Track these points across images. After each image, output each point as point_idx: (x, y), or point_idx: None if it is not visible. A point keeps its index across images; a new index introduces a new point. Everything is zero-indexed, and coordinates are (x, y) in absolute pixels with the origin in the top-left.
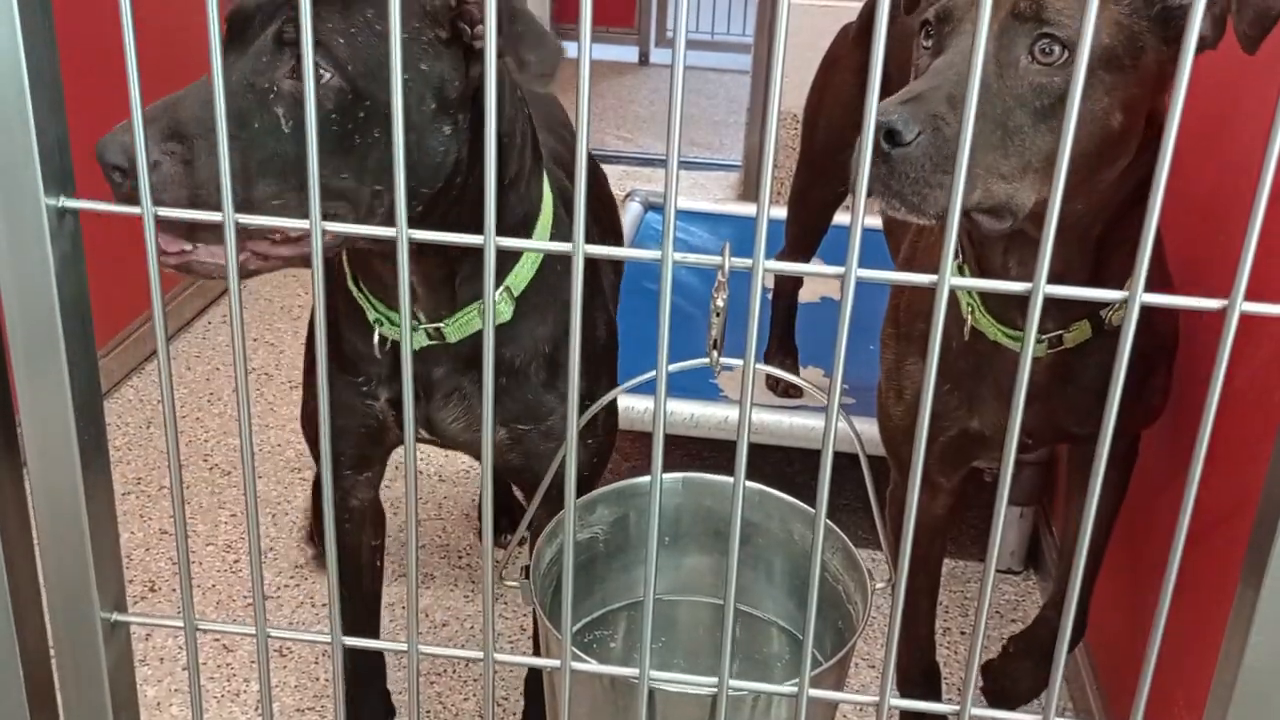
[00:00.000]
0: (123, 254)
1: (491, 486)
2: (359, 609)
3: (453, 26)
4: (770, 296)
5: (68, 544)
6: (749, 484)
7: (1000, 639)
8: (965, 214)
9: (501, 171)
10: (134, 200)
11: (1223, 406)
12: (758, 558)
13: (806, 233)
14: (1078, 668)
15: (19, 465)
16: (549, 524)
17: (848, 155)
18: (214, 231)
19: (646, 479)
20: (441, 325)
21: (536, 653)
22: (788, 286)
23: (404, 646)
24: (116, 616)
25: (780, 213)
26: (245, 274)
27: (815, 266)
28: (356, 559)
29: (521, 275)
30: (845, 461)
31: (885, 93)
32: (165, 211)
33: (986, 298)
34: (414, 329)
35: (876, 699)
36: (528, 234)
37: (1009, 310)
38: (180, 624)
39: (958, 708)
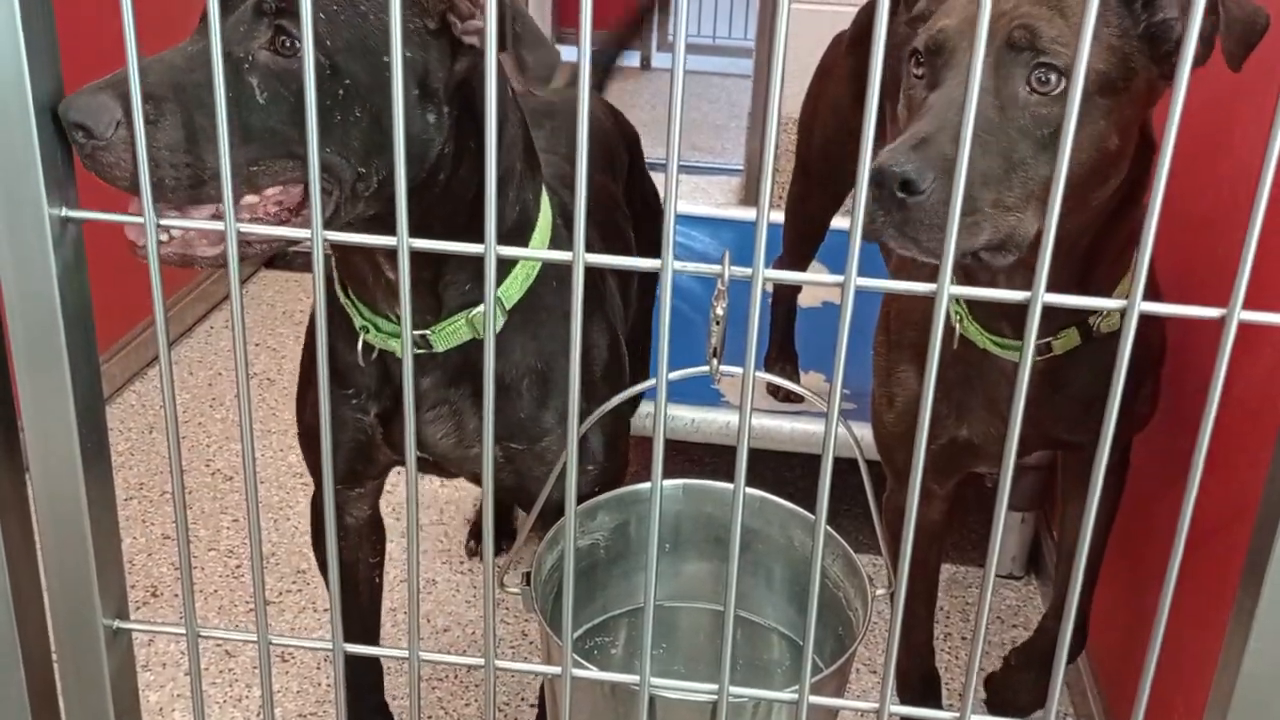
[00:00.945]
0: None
1: (493, 494)
2: (355, 624)
3: (442, 19)
4: (770, 301)
5: (70, 550)
6: (749, 491)
7: (1001, 644)
8: (973, 255)
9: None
10: (96, 162)
11: (1221, 414)
12: (758, 564)
13: (804, 239)
14: (1078, 673)
15: (21, 471)
16: (550, 531)
17: (844, 163)
18: (214, 186)
19: (647, 485)
20: (427, 333)
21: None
22: (787, 291)
23: (405, 653)
24: (119, 623)
25: (779, 218)
26: (243, 257)
27: (815, 275)
28: (353, 575)
29: (514, 287)
30: (845, 467)
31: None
32: (169, 220)
33: (974, 307)
34: (398, 335)
35: (877, 705)
36: (522, 244)
37: (996, 319)
38: (182, 630)
39: (958, 714)
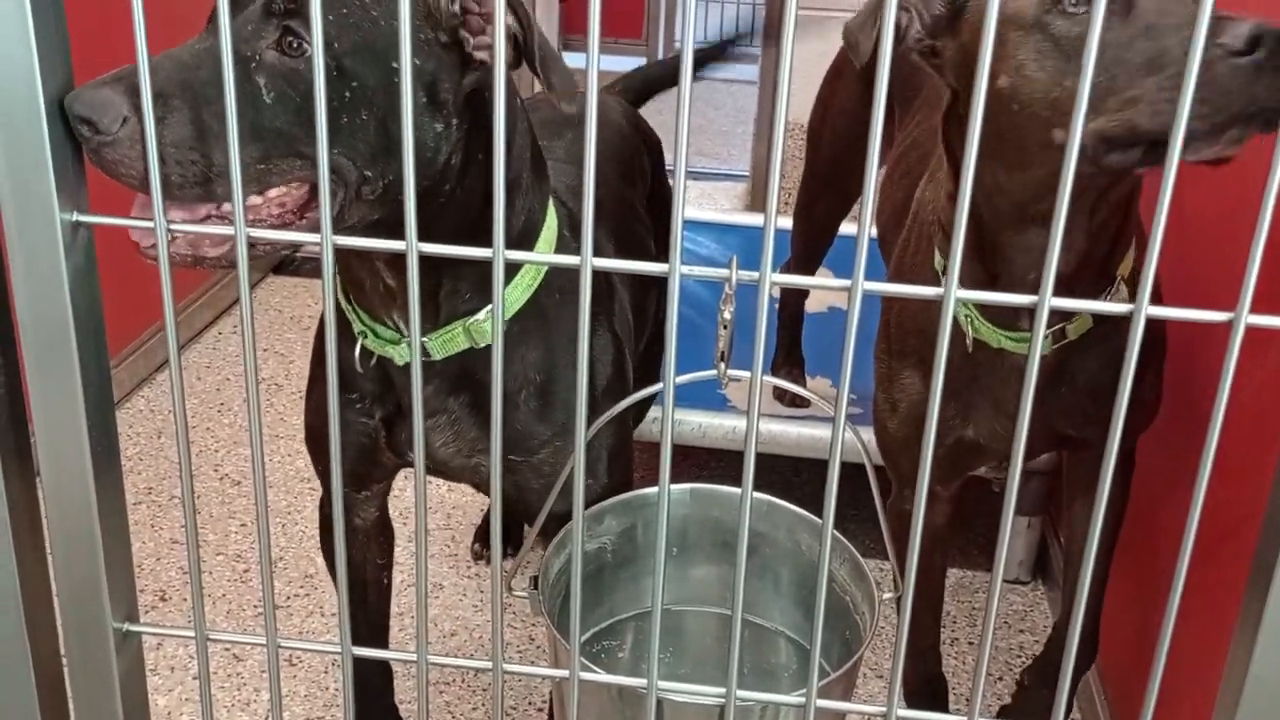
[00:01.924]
0: (130, 265)
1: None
2: (362, 625)
3: (453, 33)
4: (776, 306)
5: (80, 554)
6: (756, 495)
7: (1008, 649)
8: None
9: (491, 174)
10: (101, 158)
11: (1227, 418)
12: (765, 568)
13: (813, 244)
14: (1087, 681)
15: (32, 475)
16: (557, 535)
17: (853, 167)
18: (220, 184)
19: (654, 489)
20: (425, 341)
21: None
22: (793, 295)
23: (413, 656)
24: (129, 626)
25: (787, 223)
26: (252, 257)
27: (822, 280)
28: (361, 576)
29: (515, 295)
30: (852, 471)
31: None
32: (179, 225)
33: (984, 305)
34: (395, 342)
35: (884, 709)
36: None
37: (1011, 314)
38: (191, 634)
39: (965, 718)
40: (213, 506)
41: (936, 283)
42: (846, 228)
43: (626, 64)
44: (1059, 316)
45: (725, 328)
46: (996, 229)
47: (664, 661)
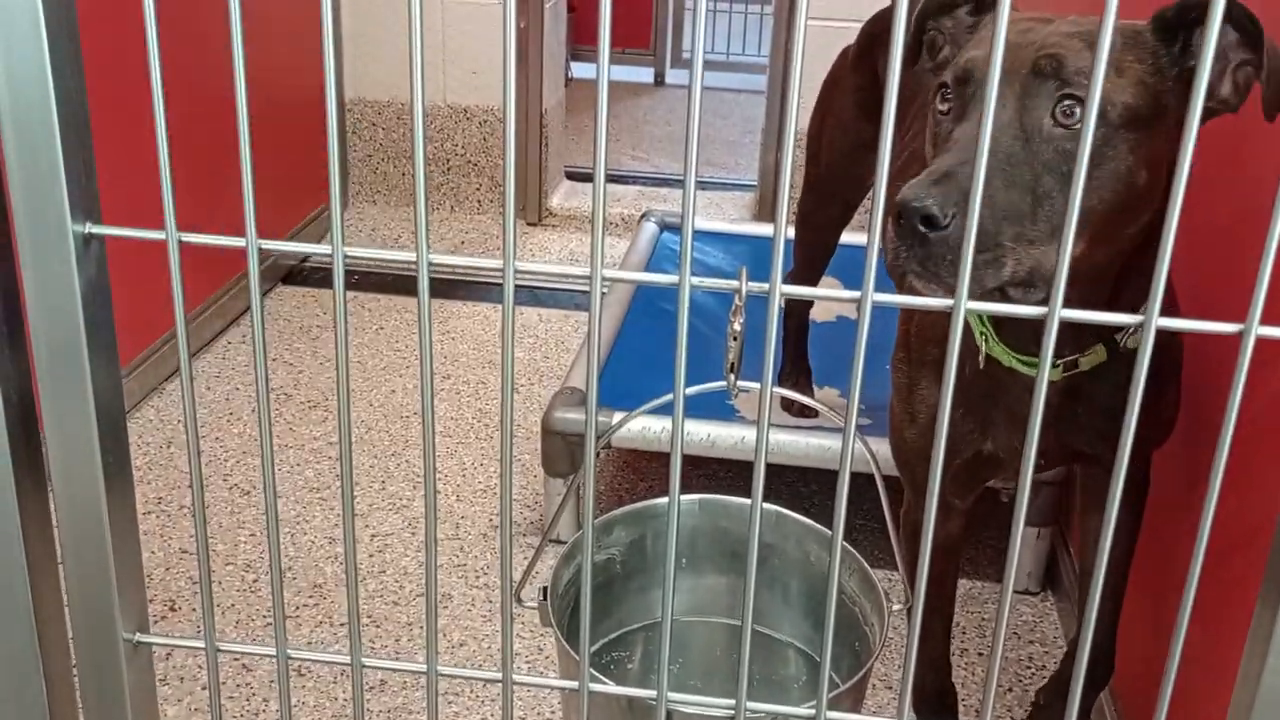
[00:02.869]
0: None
1: (510, 504)
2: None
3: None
4: (782, 316)
5: (91, 564)
6: (766, 506)
7: (1018, 660)
8: (999, 290)
9: None
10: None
11: (1238, 429)
12: (774, 579)
13: (815, 253)
14: (1100, 699)
15: (44, 484)
16: (566, 546)
17: (851, 176)
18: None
19: (663, 500)
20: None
21: None
22: (799, 306)
23: (423, 667)
24: (139, 637)
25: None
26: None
27: (832, 290)
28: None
29: None
30: (862, 482)
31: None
32: (190, 237)
33: (1000, 329)
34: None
35: None
36: None
37: (1025, 342)
38: (201, 644)
39: None
40: (221, 516)
41: None
42: (854, 237)
43: (634, 74)
44: (1072, 349)
45: (735, 338)
46: None
47: (673, 673)
